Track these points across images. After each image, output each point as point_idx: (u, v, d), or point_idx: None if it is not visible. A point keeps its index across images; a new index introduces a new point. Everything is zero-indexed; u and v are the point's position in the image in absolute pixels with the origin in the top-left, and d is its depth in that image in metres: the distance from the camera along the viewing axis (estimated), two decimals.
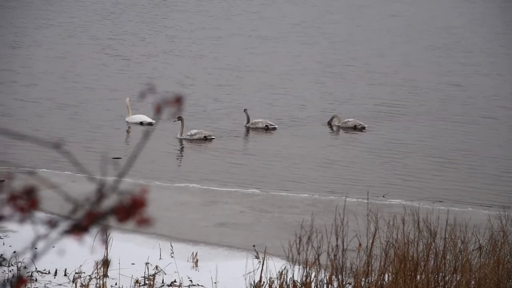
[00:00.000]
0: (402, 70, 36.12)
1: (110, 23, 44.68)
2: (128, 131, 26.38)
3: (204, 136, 24.97)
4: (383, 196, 20.12)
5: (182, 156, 23.66)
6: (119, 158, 22.60)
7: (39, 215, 2.83)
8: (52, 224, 2.73)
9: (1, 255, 14.34)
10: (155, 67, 34.94)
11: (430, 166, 23.19)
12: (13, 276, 13.11)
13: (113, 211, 2.63)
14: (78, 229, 2.66)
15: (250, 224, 17.83)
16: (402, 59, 38.63)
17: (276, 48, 40.02)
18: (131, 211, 2.61)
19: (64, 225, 2.73)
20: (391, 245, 10.51)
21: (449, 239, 10.70)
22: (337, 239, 10.34)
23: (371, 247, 10.49)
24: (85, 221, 2.66)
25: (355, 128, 26.98)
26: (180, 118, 25.19)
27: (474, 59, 39.06)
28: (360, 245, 11.29)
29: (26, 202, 2.59)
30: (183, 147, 24.57)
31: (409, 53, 40.06)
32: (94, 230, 2.87)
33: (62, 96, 29.37)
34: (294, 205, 19.27)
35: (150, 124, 26.71)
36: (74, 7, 48.78)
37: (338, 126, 27.11)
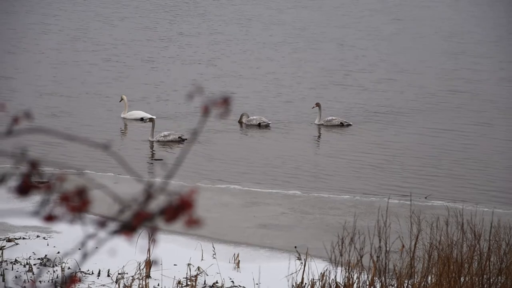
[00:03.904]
0: (409, 75, 35.51)
1: (112, 28, 44.52)
2: (125, 128, 26.33)
3: (178, 137, 24.62)
4: (425, 198, 19.98)
5: (215, 156, 23.62)
6: (161, 160, 22.73)
7: (87, 215, 2.86)
8: (101, 224, 2.76)
9: (46, 255, 14.50)
10: (155, 72, 34.60)
11: (470, 167, 22.98)
12: (57, 277, 13.25)
13: (162, 211, 2.65)
14: (127, 229, 2.68)
15: (291, 225, 17.83)
16: (408, 63, 38.00)
17: (279, 52, 39.60)
18: (179, 211, 2.62)
19: (113, 225, 2.76)
20: (435, 247, 10.44)
21: (493, 241, 10.61)
22: (379, 240, 10.30)
23: (414, 249, 10.43)
24: (134, 221, 2.68)
25: (341, 125, 26.89)
26: (151, 120, 24.88)
27: (485, 64, 38.34)
28: (403, 246, 11.24)
29: (78, 203, 2.62)
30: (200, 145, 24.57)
31: (416, 58, 39.44)
32: (141, 231, 2.89)
33: (59, 101, 29.10)
34: (335, 206, 19.23)
35: (151, 120, 26.68)
36: (76, 12, 48.68)
37: (321, 125, 26.98)
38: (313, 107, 27.55)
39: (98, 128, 25.85)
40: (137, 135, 25.53)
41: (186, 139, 24.67)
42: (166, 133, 24.65)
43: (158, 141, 24.55)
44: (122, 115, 27.26)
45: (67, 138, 2.89)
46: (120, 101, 27.58)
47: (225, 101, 2.76)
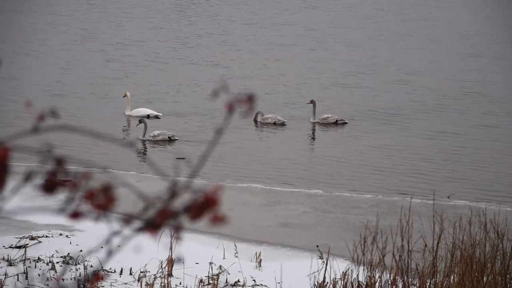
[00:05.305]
0: (421, 76, 35.18)
1: (121, 28, 44.38)
2: (129, 125, 26.36)
3: (168, 137, 24.37)
4: (448, 197, 19.91)
5: (240, 155, 23.62)
6: (183, 158, 22.78)
7: (111, 213, 2.87)
8: (125, 222, 2.77)
9: (68, 253, 14.57)
10: (164, 72, 34.44)
11: (492, 167, 22.86)
12: (80, 275, 13.31)
13: (187, 209, 2.66)
14: (151, 227, 2.70)
15: (313, 224, 17.82)
16: (419, 64, 37.65)
17: (289, 53, 39.40)
18: (204, 209, 2.63)
19: (137, 223, 2.77)
20: (457, 246, 10.40)
21: None
22: (402, 239, 10.27)
23: (437, 248, 10.40)
24: (159, 219, 2.70)
25: (336, 123, 26.81)
26: (142, 121, 24.65)
27: (499, 65, 37.91)
28: (425, 246, 11.22)
29: (103, 200, 2.63)
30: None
31: (427, 59, 39.07)
32: (164, 229, 2.90)
33: (66, 101, 28.99)
34: (357, 205, 19.20)
35: (156, 117, 26.45)
36: (84, 12, 48.59)
37: (316, 122, 26.90)
38: (308, 103, 27.53)
39: (107, 129, 25.76)
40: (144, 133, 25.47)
41: (177, 139, 24.55)
42: (156, 132, 24.41)
43: (148, 140, 24.37)
44: (127, 113, 27.22)
45: (92, 136, 2.90)
46: (124, 97, 27.61)
47: (249, 99, 2.77)
